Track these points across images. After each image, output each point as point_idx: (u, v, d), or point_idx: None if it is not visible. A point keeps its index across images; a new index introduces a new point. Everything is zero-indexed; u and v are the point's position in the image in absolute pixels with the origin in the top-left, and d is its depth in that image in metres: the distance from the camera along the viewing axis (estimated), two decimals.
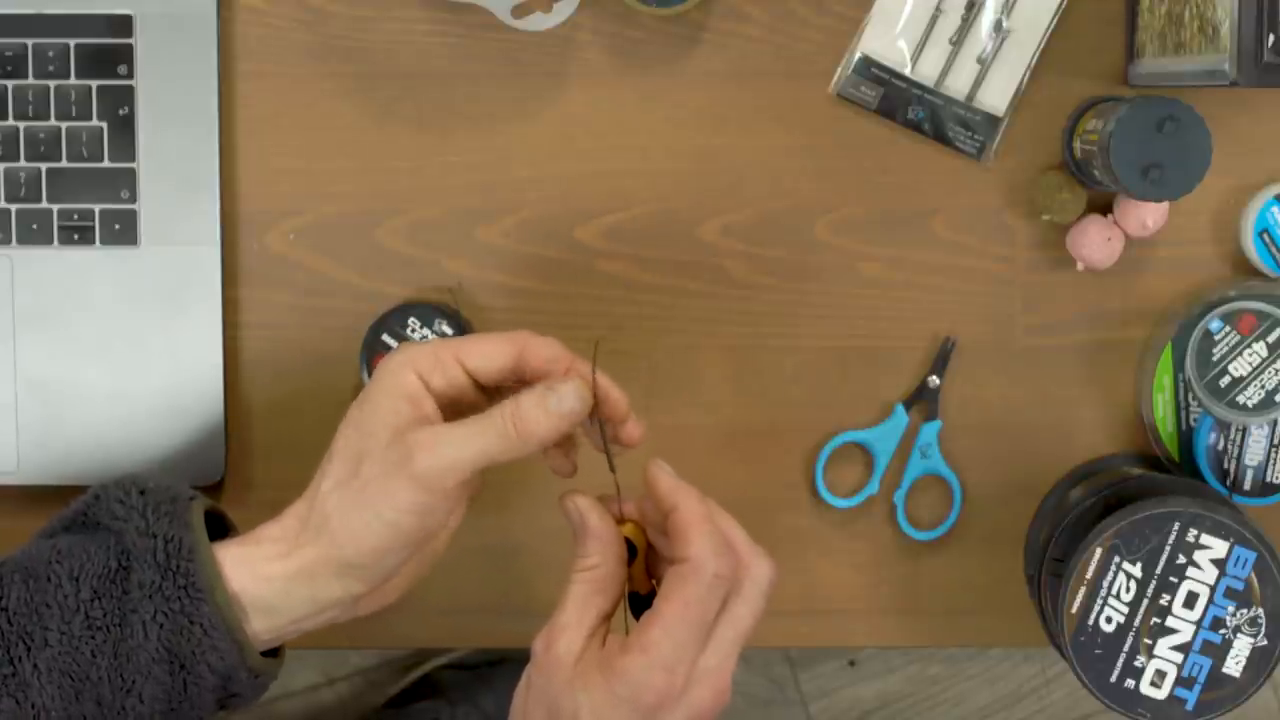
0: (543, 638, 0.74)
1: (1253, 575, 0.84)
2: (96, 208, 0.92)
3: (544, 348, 0.77)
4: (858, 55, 0.93)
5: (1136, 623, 0.84)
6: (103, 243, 0.93)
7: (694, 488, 0.75)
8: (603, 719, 0.72)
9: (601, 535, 0.75)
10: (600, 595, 0.74)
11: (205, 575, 0.76)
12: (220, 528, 0.82)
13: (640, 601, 0.76)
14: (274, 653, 0.81)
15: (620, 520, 0.76)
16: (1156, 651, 0.84)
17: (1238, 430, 0.93)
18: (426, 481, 0.74)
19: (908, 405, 0.95)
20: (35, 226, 0.92)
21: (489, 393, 0.79)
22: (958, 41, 0.93)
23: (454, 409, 0.78)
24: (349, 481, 0.75)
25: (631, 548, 0.76)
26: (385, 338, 0.92)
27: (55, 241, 0.93)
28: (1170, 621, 0.84)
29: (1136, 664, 0.84)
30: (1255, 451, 0.93)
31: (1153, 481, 0.90)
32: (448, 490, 0.75)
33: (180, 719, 0.78)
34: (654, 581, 0.77)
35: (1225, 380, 0.90)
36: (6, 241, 0.93)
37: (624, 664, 0.71)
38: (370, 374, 0.92)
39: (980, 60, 0.93)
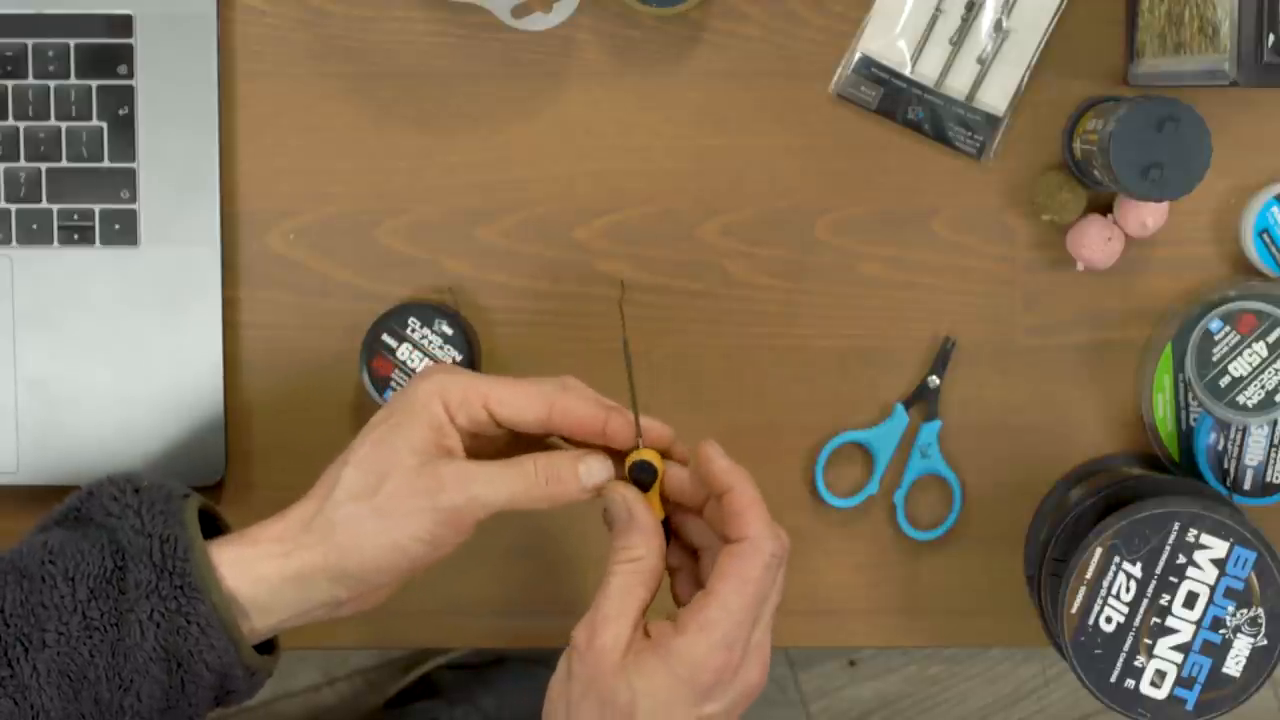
0: (585, 629, 0.74)
1: (1253, 575, 0.84)
2: (96, 208, 0.92)
3: (578, 407, 0.77)
4: (858, 55, 0.94)
5: (1136, 623, 0.84)
6: (103, 243, 0.93)
7: (745, 470, 0.76)
8: (660, 702, 0.72)
9: (646, 528, 0.76)
10: (642, 587, 0.75)
11: (201, 574, 0.76)
12: (213, 526, 0.82)
13: None
14: (270, 649, 0.81)
15: (635, 448, 0.78)
16: (1156, 651, 0.84)
17: (1238, 430, 0.93)
18: (449, 515, 0.75)
19: (908, 405, 0.95)
20: (35, 226, 0.92)
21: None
22: (958, 41, 0.93)
23: (474, 440, 0.78)
24: (367, 497, 0.76)
25: (653, 471, 0.77)
26: (385, 338, 0.92)
27: (55, 241, 0.93)
28: (1170, 621, 0.84)
29: (1136, 664, 0.84)
30: (1255, 451, 0.93)
31: (1153, 481, 0.90)
32: (466, 526, 0.76)
33: (178, 716, 0.78)
34: (668, 506, 0.79)
35: (1225, 380, 0.90)
36: (6, 241, 0.93)
37: (681, 644, 0.72)
38: (370, 374, 0.92)
39: (980, 60, 0.93)
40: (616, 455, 0.78)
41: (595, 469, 0.77)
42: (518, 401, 0.77)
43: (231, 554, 0.77)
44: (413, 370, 0.91)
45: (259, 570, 0.77)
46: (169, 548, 0.76)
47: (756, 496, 0.75)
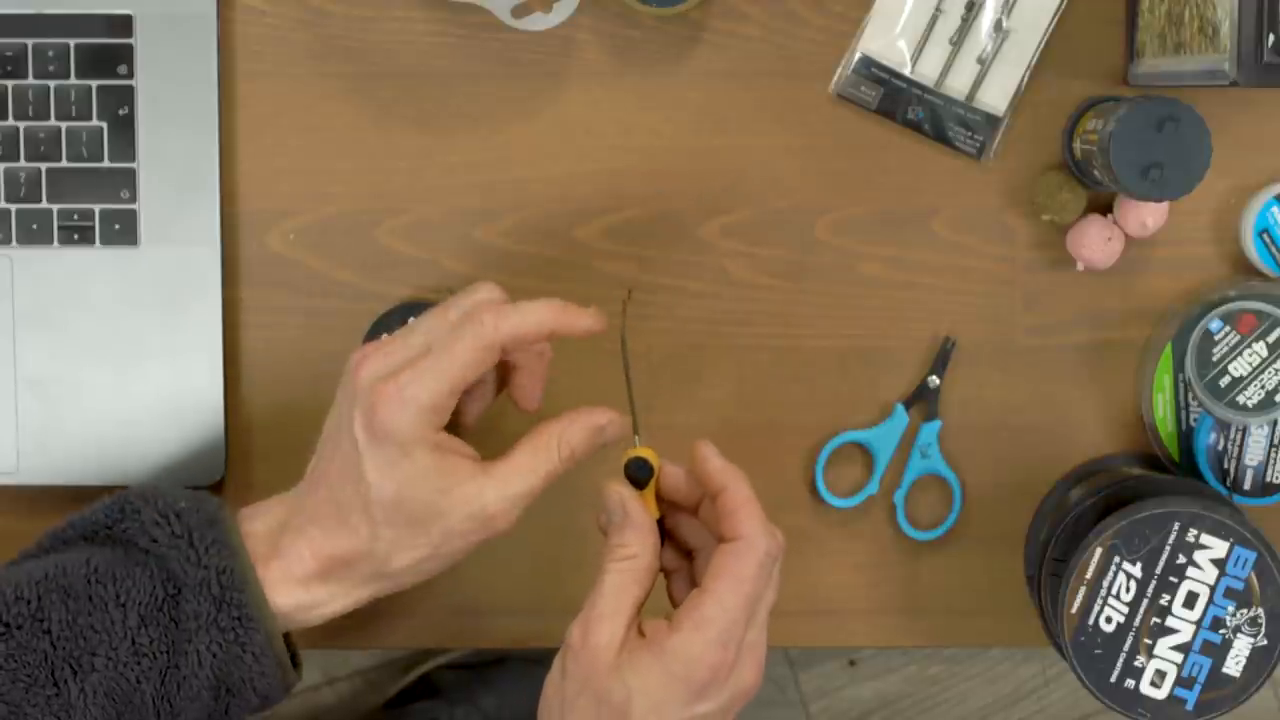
0: (579, 627, 0.74)
1: (1253, 575, 0.84)
2: (96, 208, 0.92)
3: (517, 327, 0.77)
4: (858, 55, 0.94)
5: (1136, 623, 0.84)
6: (103, 243, 0.93)
7: (740, 469, 0.77)
8: (654, 700, 0.73)
9: (641, 526, 0.76)
10: (636, 585, 0.75)
11: (257, 605, 0.77)
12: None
13: None
14: (294, 662, 0.82)
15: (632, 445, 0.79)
16: (1156, 651, 0.84)
17: (1238, 430, 0.93)
18: (505, 530, 0.78)
19: (908, 405, 0.95)
20: (35, 226, 0.92)
21: None
22: (958, 41, 0.93)
23: None
24: (420, 546, 0.77)
25: (649, 468, 0.78)
26: (385, 338, 0.91)
27: (55, 241, 0.93)
28: (1170, 621, 0.84)
29: (1136, 664, 0.84)
30: (1255, 451, 0.93)
31: (1153, 481, 0.90)
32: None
33: None
34: (663, 505, 0.79)
35: (1225, 380, 0.90)
36: (6, 241, 0.93)
37: (676, 642, 0.73)
38: None
39: (980, 60, 0.93)
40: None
41: (612, 431, 0.79)
42: (471, 369, 0.77)
43: (285, 598, 0.78)
44: None
45: (314, 614, 0.79)
46: (226, 580, 0.76)
47: (750, 495, 0.76)
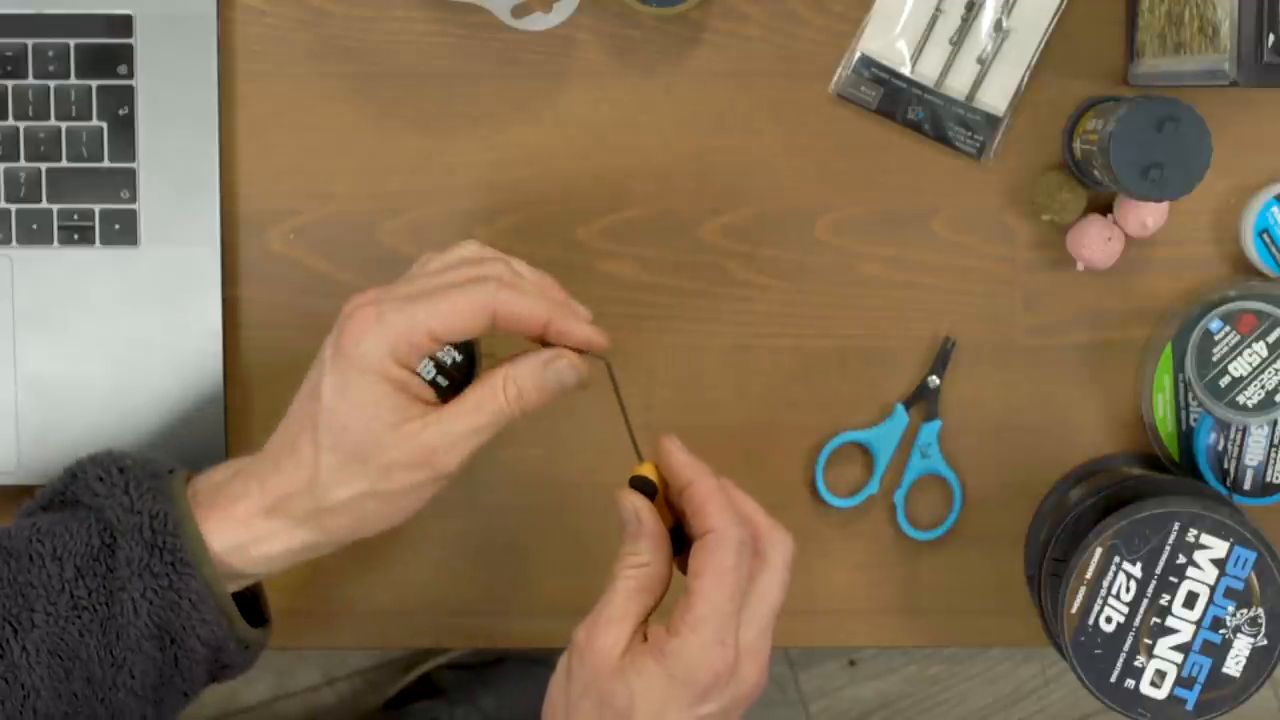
0: (586, 629, 0.75)
1: (1253, 575, 0.84)
2: (96, 208, 0.92)
3: (518, 306, 0.76)
4: (858, 55, 0.94)
5: (1136, 623, 0.84)
6: (103, 243, 0.93)
7: (705, 464, 0.76)
8: (658, 703, 0.73)
9: (655, 535, 0.76)
10: (647, 593, 0.75)
11: (192, 549, 0.76)
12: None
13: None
14: (263, 623, 0.82)
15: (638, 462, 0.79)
16: (1156, 651, 0.84)
17: (1238, 430, 0.93)
18: (446, 479, 0.77)
19: (908, 405, 0.95)
20: (35, 226, 0.92)
21: None
22: (958, 41, 0.93)
23: None
24: (359, 480, 0.76)
25: (651, 486, 0.78)
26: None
27: (55, 241, 0.93)
28: (1170, 621, 0.84)
29: (1136, 664, 0.84)
30: (1255, 451, 0.93)
31: (1153, 481, 0.90)
32: (457, 474, 0.77)
33: (172, 693, 0.78)
34: (674, 515, 0.79)
35: (1225, 380, 0.90)
36: (6, 241, 0.93)
37: (676, 645, 0.73)
38: None
39: (980, 60, 0.93)
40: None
41: (564, 372, 0.78)
42: (459, 322, 0.76)
43: (223, 538, 0.77)
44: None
45: (254, 553, 0.78)
46: (159, 523, 0.76)
47: (714, 487, 0.75)
